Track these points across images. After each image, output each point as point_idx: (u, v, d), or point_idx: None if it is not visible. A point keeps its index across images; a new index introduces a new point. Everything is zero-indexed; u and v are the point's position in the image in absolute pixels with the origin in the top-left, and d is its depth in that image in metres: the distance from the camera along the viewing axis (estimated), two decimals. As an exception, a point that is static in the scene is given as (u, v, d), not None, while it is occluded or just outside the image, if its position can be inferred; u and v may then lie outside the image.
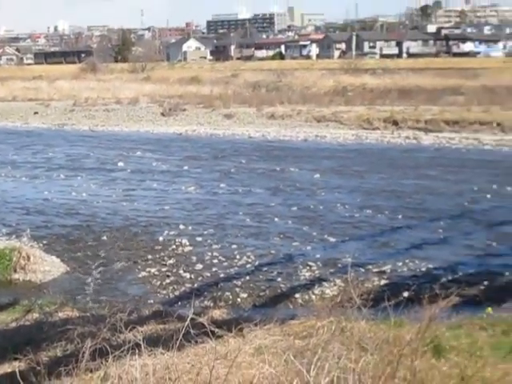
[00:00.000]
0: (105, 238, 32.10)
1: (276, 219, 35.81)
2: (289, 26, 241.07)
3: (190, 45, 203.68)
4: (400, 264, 27.56)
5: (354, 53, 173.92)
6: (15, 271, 25.85)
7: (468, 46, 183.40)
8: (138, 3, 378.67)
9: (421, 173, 47.92)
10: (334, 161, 53.82)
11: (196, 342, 12.27)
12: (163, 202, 40.83)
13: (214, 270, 27.54)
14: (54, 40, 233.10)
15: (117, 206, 39.68)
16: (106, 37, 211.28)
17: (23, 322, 19.73)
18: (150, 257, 29.09)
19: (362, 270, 26.35)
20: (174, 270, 27.39)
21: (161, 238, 31.90)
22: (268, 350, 11.83)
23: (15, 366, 13.37)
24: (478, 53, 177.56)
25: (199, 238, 31.73)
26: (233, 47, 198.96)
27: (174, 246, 30.64)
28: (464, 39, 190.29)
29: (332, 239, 31.60)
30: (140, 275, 26.98)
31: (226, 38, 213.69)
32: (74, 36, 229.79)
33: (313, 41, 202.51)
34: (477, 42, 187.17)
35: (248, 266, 27.93)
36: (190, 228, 33.63)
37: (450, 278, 25.89)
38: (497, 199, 39.63)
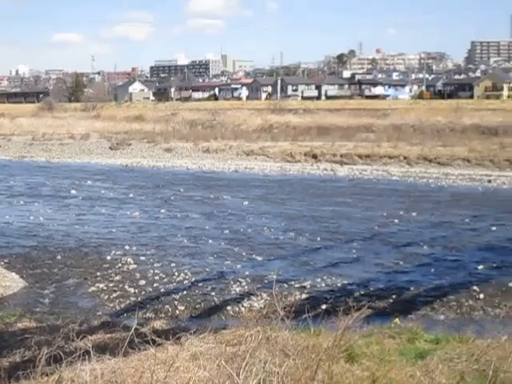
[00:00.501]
0: (59, 257, 31.69)
1: (210, 241, 35.65)
2: (222, 72, 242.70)
3: (135, 87, 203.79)
4: (319, 280, 27.56)
5: (279, 95, 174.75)
6: None
7: (378, 90, 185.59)
8: (89, 50, 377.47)
9: (337, 200, 48.18)
10: (261, 189, 53.88)
11: (139, 349, 12.20)
12: (111, 225, 40.50)
13: (155, 285, 27.33)
14: (15, 82, 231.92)
15: (70, 229, 39.25)
16: (62, 79, 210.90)
17: None
18: (98, 274, 28.77)
19: (286, 285, 26.30)
20: (120, 286, 27.13)
21: (108, 257, 31.57)
22: (203, 356, 11.92)
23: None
24: (388, 95, 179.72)
25: (142, 257, 31.49)
26: (173, 89, 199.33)
27: (120, 265, 30.34)
28: (375, 84, 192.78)
29: (259, 258, 31.55)
30: (90, 290, 26.71)
31: (166, 81, 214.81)
32: (33, 78, 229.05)
33: (243, 84, 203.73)
34: (386, 86, 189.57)
35: (185, 281, 27.79)
36: (134, 248, 33.36)
37: (362, 292, 25.96)
38: (403, 223, 39.95)
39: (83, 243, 35.29)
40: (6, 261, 29.70)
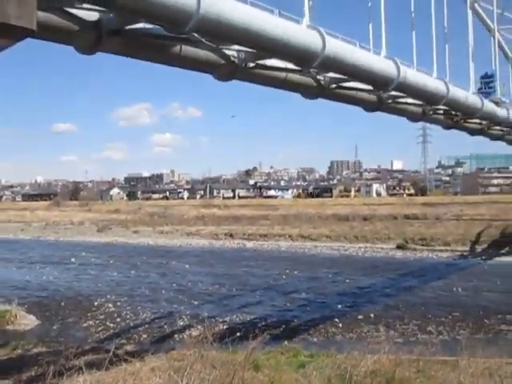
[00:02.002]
0: (62, 303, 31.53)
1: (163, 291, 35.58)
2: (171, 181, 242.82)
3: (115, 191, 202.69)
4: (234, 316, 27.64)
5: (208, 196, 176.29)
6: (8, 324, 25.92)
7: (272, 192, 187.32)
8: (84, 167, 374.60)
9: (246, 263, 48.30)
10: (196, 258, 53.85)
11: (116, 365, 12.69)
12: (97, 281, 40.08)
13: (127, 321, 27.39)
14: (34, 187, 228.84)
15: (70, 284, 38.87)
16: (66, 186, 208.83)
17: (12, 356, 20.60)
18: (89, 314, 28.72)
19: (213, 320, 26.16)
20: (103, 322, 27.16)
21: (96, 303, 31.43)
22: (158, 369, 12.51)
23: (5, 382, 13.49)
24: (277, 196, 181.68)
25: (118, 303, 31.39)
26: (139, 192, 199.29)
27: (104, 308, 30.32)
28: (269, 188, 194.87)
29: (195, 302, 31.57)
30: (83, 325, 26.73)
31: (135, 187, 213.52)
32: (46, 185, 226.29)
33: (185, 189, 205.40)
34: (277, 190, 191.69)
35: (147, 318, 27.78)
36: (113, 297, 33.11)
37: (263, 324, 25.96)
38: (288, 278, 40.19)
39: (79, 294, 34.94)
40: (25, 306, 29.33)
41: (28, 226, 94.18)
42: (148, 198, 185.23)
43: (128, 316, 28.40)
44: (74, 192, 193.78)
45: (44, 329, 25.98)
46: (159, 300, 32.71)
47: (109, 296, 33.45)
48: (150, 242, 70.46)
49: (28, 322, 26.86)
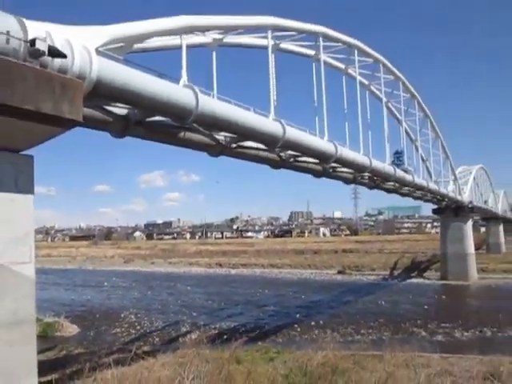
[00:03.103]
0: (97, 315, 30.48)
1: (171, 306, 34.85)
2: (178, 226, 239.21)
3: (137, 233, 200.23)
4: (222, 324, 27.10)
5: (204, 237, 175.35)
6: (56, 331, 25.20)
7: (249, 234, 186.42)
8: (115, 215, 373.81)
9: (230, 285, 47.68)
10: (195, 281, 53.14)
11: (135, 361, 12.52)
12: (123, 299, 39.11)
13: (144, 328, 26.56)
14: (78, 230, 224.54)
15: (103, 302, 37.81)
16: (101, 230, 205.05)
17: (59, 355, 19.97)
18: (117, 324, 27.81)
19: (207, 327, 25.75)
20: (127, 329, 26.31)
21: (122, 315, 30.51)
22: (167, 364, 12.28)
23: (52, 376, 12.96)
24: (253, 236, 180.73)
25: (139, 315, 30.45)
26: (155, 235, 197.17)
27: (128, 319, 29.42)
28: (248, 231, 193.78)
29: (194, 314, 30.78)
30: (112, 332, 25.83)
31: (152, 230, 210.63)
32: (87, 229, 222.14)
33: (187, 232, 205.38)
34: (253, 232, 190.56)
35: (159, 326, 27.01)
36: (134, 310, 32.15)
37: (243, 329, 25.47)
38: (261, 295, 39.67)
39: (109, 308, 33.97)
40: (70, 318, 28.08)
41: (73, 259, 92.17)
42: (161, 239, 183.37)
43: (145, 324, 27.69)
44: (108, 234, 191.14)
45: (83, 335, 25.10)
46: (168, 312, 31.99)
47: (131, 310, 32.60)
48: (162, 270, 69.06)
49: (72, 330, 26.07)
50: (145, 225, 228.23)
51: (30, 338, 7.73)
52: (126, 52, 11.60)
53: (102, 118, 11.63)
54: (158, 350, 17.93)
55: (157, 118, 12.48)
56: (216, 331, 25.26)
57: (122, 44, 10.98)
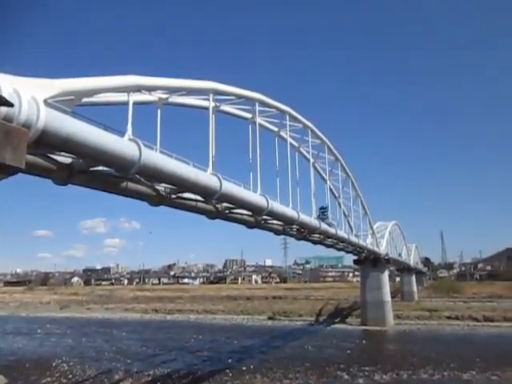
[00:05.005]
0: (27, 365, 28.13)
1: (105, 353, 32.74)
2: (116, 272, 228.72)
3: (75, 279, 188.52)
4: (156, 370, 25.81)
5: (141, 282, 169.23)
6: None
7: (186, 280, 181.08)
8: (54, 261, 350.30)
9: (165, 331, 45.61)
10: (131, 327, 50.38)
11: None
12: (56, 347, 36.37)
13: (76, 377, 24.81)
14: (14, 276, 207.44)
15: (35, 350, 34.95)
16: (38, 275, 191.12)
17: None
18: (48, 373, 25.81)
19: (141, 373, 24.43)
20: (58, 378, 24.57)
21: (53, 364, 28.35)
22: None
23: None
24: (189, 283, 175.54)
25: (71, 363, 28.44)
26: (93, 280, 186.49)
27: (59, 367, 27.37)
28: (184, 277, 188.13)
29: (129, 360, 29.19)
30: (43, 382, 23.92)
31: (90, 276, 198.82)
32: (24, 274, 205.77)
33: (125, 277, 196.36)
34: (188, 279, 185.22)
35: (92, 374, 25.32)
36: (67, 358, 29.96)
37: (176, 375, 24.43)
38: (195, 341, 38.22)
39: (41, 357, 31.28)
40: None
41: (6, 305, 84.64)
42: (99, 284, 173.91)
43: (77, 373, 25.68)
44: (45, 280, 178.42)
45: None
46: (102, 360, 29.91)
47: (64, 358, 30.15)
48: (98, 316, 64.78)
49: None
50: (83, 270, 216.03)
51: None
52: (76, 105, 11.43)
53: (45, 166, 11.19)
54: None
55: (100, 167, 12.19)
56: (149, 378, 23.99)
57: (71, 97, 10.81)
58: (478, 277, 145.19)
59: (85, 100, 12.11)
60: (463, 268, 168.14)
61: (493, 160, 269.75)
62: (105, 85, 11.57)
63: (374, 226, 50.94)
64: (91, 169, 12.19)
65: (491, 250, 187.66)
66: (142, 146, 11.37)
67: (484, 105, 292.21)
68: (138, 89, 13.43)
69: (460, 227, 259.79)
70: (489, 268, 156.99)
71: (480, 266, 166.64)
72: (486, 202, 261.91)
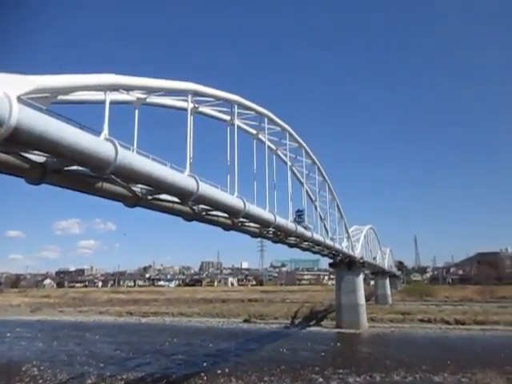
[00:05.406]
0: None
1: (77, 357, 32.03)
2: (90, 274, 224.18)
3: (47, 281, 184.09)
4: (130, 374, 25.47)
5: (116, 285, 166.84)
6: None
7: (161, 283, 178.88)
8: (26, 263, 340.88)
9: (140, 334, 45.00)
10: (104, 330, 49.45)
11: None
12: (26, 351, 35.51)
13: (47, 382, 24.23)
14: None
15: (3, 354, 33.99)
16: (9, 278, 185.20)
17: None
18: (17, 378, 25.16)
19: (114, 377, 23.96)
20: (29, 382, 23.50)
21: (23, 368, 27.56)
22: None
23: None
24: (165, 285, 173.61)
25: (41, 367, 27.76)
26: (66, 282, 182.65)
27: (29, 372, 26.69)
28: (160, 280, 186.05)
29: (101, 364, 28.65)
30: None
31: (63, 278, 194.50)
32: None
33: (100, 280, 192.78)
34: (165, 281, 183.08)
35: (63, 379, 24.87)
36: (37, 363, 29.30)
37: (150, 379, 24.04)
38: (170, 344, 37.78)
39: (10, 361, 30.54)
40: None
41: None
42: (72, 287, 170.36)
43: (48, 378, 25.05)
44: (15, 282, 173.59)
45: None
46: (74, 364, 29.23)
47: (34, 362, 29.41)
48: (71, 319, 63.25)
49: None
50: (56, 272, 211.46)
51: None
52: (51, 102, 11.19)
53: (18, 164, 10.93)
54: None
55: (75, 167, 11.95)
56: (123, 382, 23.66)
57: (46, 94, 10.58)
58: (450, 281, 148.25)
59: (61, 98, 11.88)
60: (436, 272, 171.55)
61: (466, 167, 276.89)
62: (81, 83, 11.37)
63: (350, 230, 51.44)
64: (66, 168, 11.94)
65: (463, 254, 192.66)
66: (118, 146, 11.19)
67: (461, 111, 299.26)
68: (116, 88, 13.25)
69: (433, 232, 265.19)
70: (460, 272, 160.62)
71: (452, 270, 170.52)
72: (459, 209, 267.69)
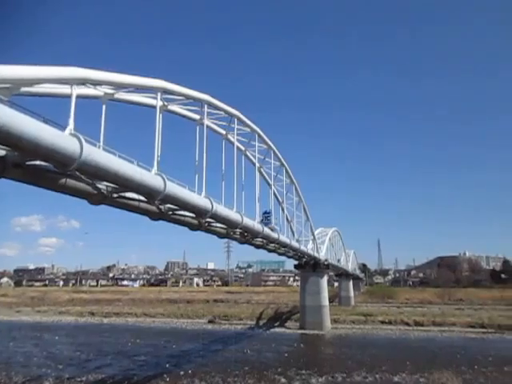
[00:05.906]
0: None
1: (35, 358, 31.04)
2: (51, 272, 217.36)
3: (4, 280, 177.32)
4: (89, 376, 24.87)
5: (78, 284, 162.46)
6: None
7: (125, 282, 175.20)
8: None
9: (101, 335, 43.88)
10: (65, 331, 48.17)
11: None
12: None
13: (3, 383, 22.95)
14: None
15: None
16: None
17: None
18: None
19: (73, 380, 23.35)
20: None
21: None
22: None
23: None
24: (129, 285, 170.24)
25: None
26: (24, 281, 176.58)
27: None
28: (123, 279, 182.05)
29: (60, 366, 27.82)
30: None
31: (22, 277, 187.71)
32: None
33: (61, 279, 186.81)
34: (129, 281, 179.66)
35: (18, 381, 23.92)
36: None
37: (111, 381, 23.52)
38: (133, 346, 37.07)
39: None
40: None
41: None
42: (31, 285, 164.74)
43: (2, 380, 24.04)
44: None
45: None
46: (31, 365, 28.19)
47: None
48: (29, 319, 61.08)
49: None
50: (14, 270, 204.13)
51: None
52: (13, 94, 10.78)
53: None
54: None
55: (38, 162, 11.55)
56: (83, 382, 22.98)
57: (7, 85, 10.18)
58: (411, 283, 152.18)
59: (24, 90, 11.47)
60: (398, 274, 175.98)
61: (428, 174, 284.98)
62: (45, 75, 11.00)
63: (315, 232, 51.93)
64: (27, 163, 11.54)
65: (424, 258, 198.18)
66: (83, 141, 10.90)
67: (424, 115, 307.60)
68: (83, 82, 12.89)
69: (396, 236, 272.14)
70: (421, 275, 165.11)
71: (413, 273, 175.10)
72: (421, 214, 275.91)
